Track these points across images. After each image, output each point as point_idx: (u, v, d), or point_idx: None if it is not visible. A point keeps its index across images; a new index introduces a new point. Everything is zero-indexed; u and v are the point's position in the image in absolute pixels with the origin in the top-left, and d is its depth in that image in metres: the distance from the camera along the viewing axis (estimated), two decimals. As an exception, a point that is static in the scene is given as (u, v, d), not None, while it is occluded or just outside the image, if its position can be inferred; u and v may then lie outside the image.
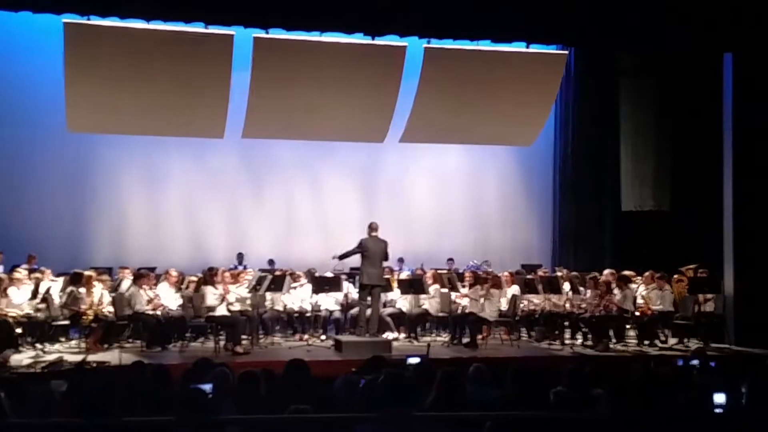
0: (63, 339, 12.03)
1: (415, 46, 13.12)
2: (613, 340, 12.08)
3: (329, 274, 12.96)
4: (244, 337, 11.57)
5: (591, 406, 5.61)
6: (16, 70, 14.84)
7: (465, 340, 12.22)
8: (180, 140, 15.23)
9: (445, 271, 13.84)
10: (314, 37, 12.58)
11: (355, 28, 12.24)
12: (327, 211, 16.61)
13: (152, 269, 13.11)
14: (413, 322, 12.84)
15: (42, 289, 11.45)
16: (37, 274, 12.04)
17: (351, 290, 12.87)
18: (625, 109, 15.81)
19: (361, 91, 13.48)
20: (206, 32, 12.17)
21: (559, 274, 13.83)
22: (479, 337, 12.18)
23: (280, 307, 12.83)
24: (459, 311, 12.65)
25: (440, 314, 12.94)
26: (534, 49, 13.54)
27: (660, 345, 12.37)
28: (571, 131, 16.73)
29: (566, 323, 12.83)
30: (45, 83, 14.17)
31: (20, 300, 11.36)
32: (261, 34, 12.32)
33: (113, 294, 11.86)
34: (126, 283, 12.21)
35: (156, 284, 12.25)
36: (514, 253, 16.83)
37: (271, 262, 15.26)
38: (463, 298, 12.67)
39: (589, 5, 12.02)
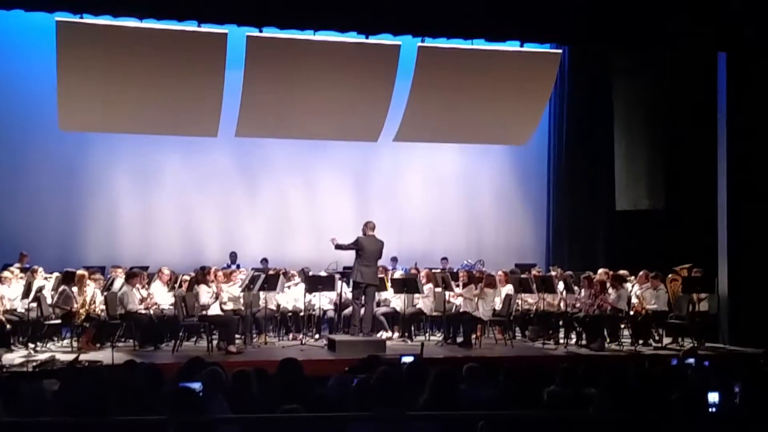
0: (55, 338, 11.99)
1: (408, 44, 13.11)
2: (608, 340, 12.07)
3: (323, 274, 12.93)
4: (237, 336, 11.54)
5: (585, 406, 5.60)
6: (7, 68, 14.75)
7: (459, 339, 12.21)
8: (173, 139, 15.18)
9: (439, 271, 13.82)
10: (308, 35, 12.56)
11: (348, 26, 12.22)
12: (320, 210, 16.57)
13: (145, 268, 13.06)
14: (407, 322, 12.82)
15: (34, 288, 11.40)
16: (29, 273, 11.97)
17: (345, 290, 12.84)
18: (619, 108, 15.79)
19: (355, 89, 13.47)
20: (199, 31, 12.14)
21: (553, 273, 13.84)
22: (473, 336, 12.17)
23: (273, 307, 12.79)
24: (453, 310, 12.64)
25: (434, 313, 12.92)
26: (528, 48, 13.54)
27: (654, 344, 12.38)
28: (565, 130, 16.72)
29: (560, 323, 12.84)
30: (37, 82, 14.12)
31: (12, 299, 11.31)
32: (254, 32, 12.29)
33: (105, 293, 11.81)
34: (118, 282, 12.16)
35: (149, 283, 12.21)
36: (508, 253, 16.81)
37: (264, 261, 15.22)
38: (457, 298, 12.66)
39: (582, 4, 12.00)
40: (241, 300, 11.89)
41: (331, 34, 12.66)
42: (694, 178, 14.48)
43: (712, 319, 12.61)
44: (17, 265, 12.71)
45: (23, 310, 11.38)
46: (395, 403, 4.83)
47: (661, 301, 12.43)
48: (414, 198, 17.20)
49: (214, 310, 11.39)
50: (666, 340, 12.61)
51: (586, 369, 6.57)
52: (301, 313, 12.68)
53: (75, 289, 11.34)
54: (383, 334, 12.37)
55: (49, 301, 11.51)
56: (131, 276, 11.76)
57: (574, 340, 12.49)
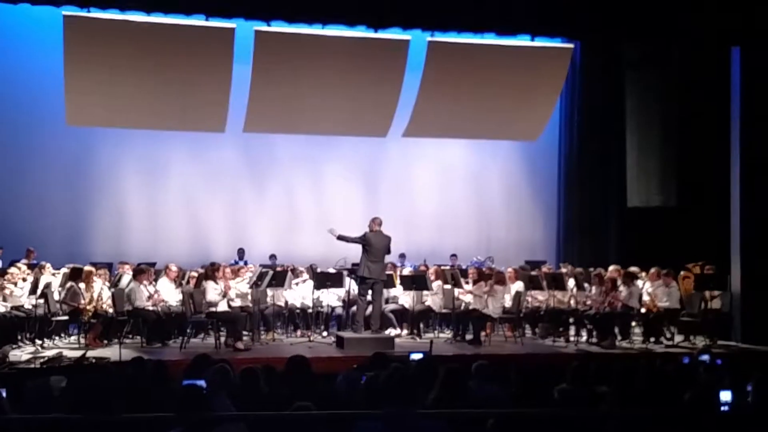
0: (62, 335, 11.97)
1: (418, 39, 13.06)
2: (619, 338, 11.98)
3: (331, 270, 12.87)
4: (245, 333, 11.49)
5: (595, 404, 5.54)
6: (15, 63, 14.76)
7: (468, 336, 12.14)
8: (180, 134, 15.18)
9: (448, 268, 13.75)
10: (316, 30, 12.52)
11: (357, 21, 12.19)
12: (329, 206, 16.51)
13: (152, 264, 13.01)
14: (416, 319, 12.76)
15: (41, 285, 11.38)
16: (36, 269, 11.95)
17: (353, 286, 12.77)
18: (631, 104, 15.68)
19: (364, 84, 13.42)
20: (207, 25, 12.10)
21: (563, 270, 13.75)
22: (483, 333, 12.10)
23: (281, 303, 12.75)
24: (462, 308, 12.57)
25: (443, 311, 12.86)
26: (539, 42, 13.49)
27: (666, 342, 12.28)
28: (577, 126, 16.63)
29: (571, 320, 12.74)
30: (44, 76, 14.14)
31: (19, 295, 11.30)
32: (262, 27, 12.27)
33: (113, 289, 11.78)
34: (126, 279, 12.14)
35: (156, 280, 12.17)
36: (518, 249, 16.75)
37: (273, 257, 15.18)
38: (466, 295, 12.59)
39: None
40: (249, 296, 11.84)
41: (339, 29, 12.61)
42: (707, 174, 14.37)
43: (725, 317, 12.51)
44: (24, 261, 12.71)
45: (30, 307, 11.36)
46: (404, 400, 4.77)
47: (673, 299, 12.32)
48: (423, 194, 17.13)
49: (222, 306, 11.34)
50: (678, 338, 12.50)
51: (597, 367, 6.51)
52: (310, 310, 12.62)
53: (82, 285, 11.31)
54: (392, 332, 12.30)
55: (56, 297, 11.48)
56: (138, 272, 11.72)
57: (584, 338, 12.40)
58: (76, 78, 12.50)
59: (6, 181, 14.87)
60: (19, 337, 11.17)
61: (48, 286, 11.46)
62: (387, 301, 12.93)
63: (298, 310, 12.86)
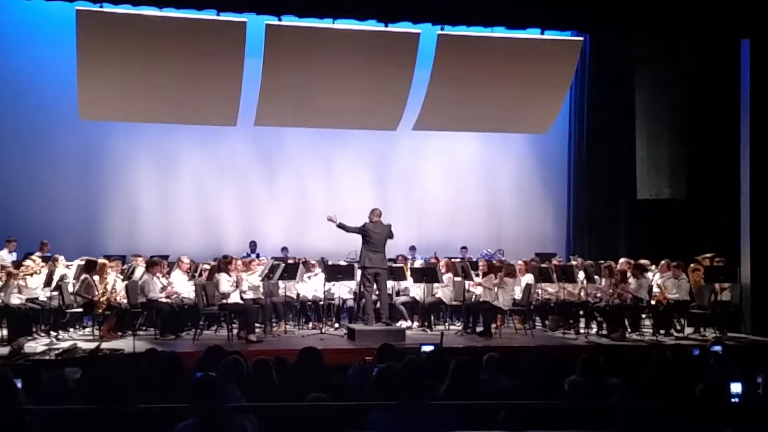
0: (77, 326, 12.07)
1: (428, 32, 13.06)
2: (629, 330, 12.00)
3: (342, 263, 12.93)
4: (257, 325, 11.57)
5: (606, 396, 5.57)
6: (28, 58, 14.84)
7: (479, 328, 12.17)
8: (192, 128, 15.23)
9: (458, 260, 13.78)
10: (327, 24, 12.55)
11: (368, 14, 12.20)
12: (340, 199, 16.51)
13: (165, 257, 13.09)
14: (427, 311, 12.81)
15: (56, 277, 11.47)
16: (51, 262, 12.05)
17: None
18: (641, 96, 15.65)
19: (374, 78, 13.43)
20: (219, 19, 12.14)
21: (573, 262, 13.77)
22: (493, 326, 12.14)
23: (293, 295, 12.82)
24: (473, 300, 12.61)
25: (454, 303, 12.89)
26: (549, 35, 13.46)
27: (676, 334, 12.29)
28: (586, 119, 16.62)
29: (581, 312, 12.77)
30: (57, 71, 14.22)
31: (34, 287, 11.40)
32: (273, 21, 12.29)
33: (126, 282, 11.87)
34: (139, 271, 12.22)
35: (169, 272, 12.25)
36: (528, 242, 16.76)
37: (284, 249, 15.25)
38: (476, 287, 12.62)
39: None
40: (261, 289, 11.91)
41: (350, 23, 12.64)
42: (717, 166, 14.34)
43: (735, 309, 12.52)
44: (38, 253, 12.79)
45: (45, 299, 11.47)
46: (416, 392, 4.82)
47: (682, 291, 12.33)
48: (433, 187, 17.15)
49: (234, 298, 11.41)
50: (688, 330, 12.50)
51: (607, 359, 6.53)
52: (321, 302, 12.69)
53: (96, 277, 11.40)
54: (403, 324, 12.36)
55: (70, 289, 11.59)
56: (152, 265, 11.80)
57: (594, 330, 12.43)
58: (88, 72, 12.55)
59: (20, 174, 14.96)
60: (34, 329, 11.27)
61: (62, 278, 11.58)
62: (398, 294, 12.99)
63: (309, 303, 12.93)
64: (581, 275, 12.87)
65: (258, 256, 14.61)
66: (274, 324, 12.13)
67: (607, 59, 16.19)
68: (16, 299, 11.05)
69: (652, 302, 12.17)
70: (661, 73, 15.40)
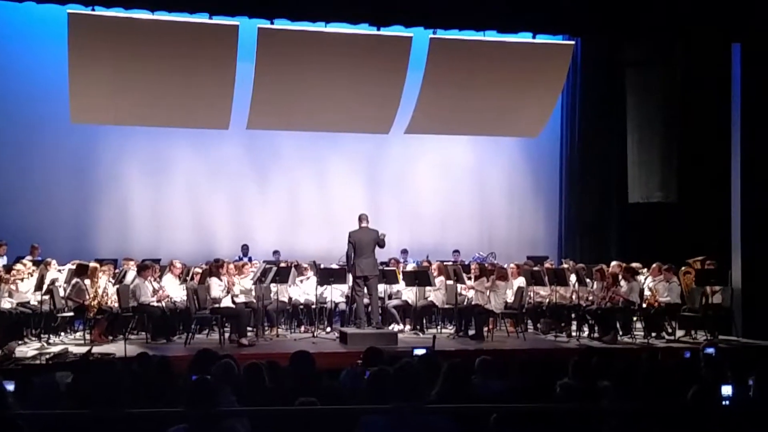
0: (68, 330, 12.04)
1: (420, 36, 13.08)
2: (620, 333, 12.03)
3: (334, 266, 12.93)
4: (249, 329, 11.55)
5: (597, 399, 5.57)
6: (20, 61, 14.80)
7: (471, 332, 12.18)
8: (184, 131, 15.20)
9: (450, 263, 13.81)
10: (319, 27, 12.57)
11: (360, 18, 12.20)
12: (332, 203, 16.55)
13: (156, 261, 13.08)
14: (419, 314, 12.81)
15: (47, 281, 11.45)
16: (42, 266, 12.01)
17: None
18: (632, 100, 15.67)
19: (367, 82, 13.45)
20: (211, 23, 12.14)
21: (565, 266, 13.79)
22: (485, 329, 12.16)
23: (285, 299, 12.81)
24: (465, 303, 12.62)
25: (446, 306, 12.91)
26: (540, 39, 13.50)
27: (667, 337, 12.33)
28: (578, 122, 16.65)
29: (573, 315, 12.81)
30: (49, 74, 14.16)
31: (25, 291, 11.37)
32: (266, 24, 12.29)
33: (118, 285, 11.85)
34: (131, 275, 12.19)
35: (160, 276, 12.23)
36: (520, 245, 16.79)
37: (276, 253, 15.23)
38: (468, 290, 12.64)
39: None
40: (253, 292, 11.90)
41: (342, 26, 12.64)
42: (708, 170, 14.39)
43: (726, 312, 12.55)
44: (29, 257, 12.75)
45: (36, 303, 11.43)
46: (408, 396, 4.81)
47: (674, 294, 12.37)
48: (425, 190, 17.16)
49: (226, 302, 11.40)
50: (679, 333, 12.55)
51: (599, 362, 6.55)
52: (313, 306, 12.68)
53: (87, 281, 11.38)
54: (395, 327, 12.37)
55: (61, 293, 11.56)
56: (143, 268, 11.78)
57: (586, 333, 12.46)
58: (80, 76, 12.53)
59: (11, 178, 14.90)
60: (25, 333, 11.25)
61: (53, 282, 11.54)
62: (390, 297, 13.00)
63: (301, 306, 12.92)
64: (573, 278, 12.90)
65: (250, 259, 14.60)
66: (266, 328, 12.11)
67: (598, 63, 16.22)
68: (6, 303, 11.01)
69: (644, 305, 12.21)
70: (651, 77, 15.44)
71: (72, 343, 11.01)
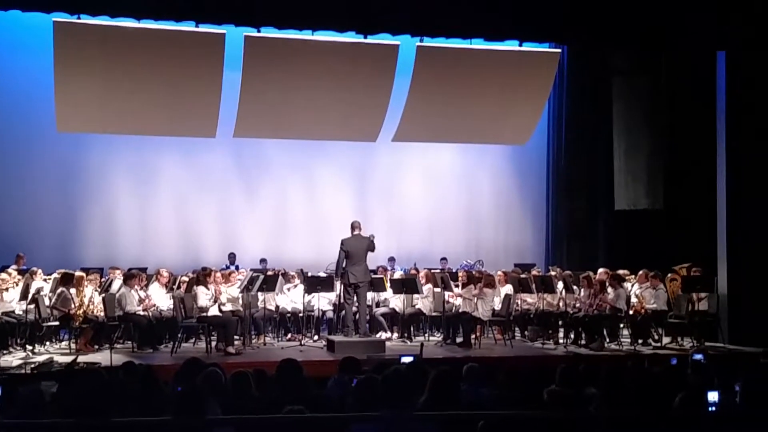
0: (53, 340, 11.96)
1: (407, 44, 13.10)
2: (607, 340, 12.06)
3: (322, 274, 12.91)
4: (236, 337, 11.51)
5: (584, 405, 5.58)
6: (4, 69, 14.74)
7: (458, 339, 12.19)
8: (171, 140, 15.17)
9: (438, 271, 13.81)
10: (306, 35, 12.56)
11: (347, 26, 12.19)
12: (319, 211, 16.54)
13: (143, 269, 13.03)
14: (406, 322, 12.81)
15: (32, 290, 11.37)
16: (27, 275, 11.93)
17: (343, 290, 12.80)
18: (618, 108, 15.77)
19: (354, 90, 13.46)
20: (197, 31, 12.13)
21: (552, 273, 13.82)
22: (473, 336, 12.16)
23: (272, 307, 12.78)
24: (452, 311, 12.62)
25: (434, 314, 12.90)
26: (527, 47, 13.55)
27: (654, 344, 12.36)
28: (564, 130, 16.71)
29: (560, 322, 12.82)
30: (34, 83, 14.09)
31: (10, 300, 11.29)
32: (252, 32, 12.28)
33: (104, 294, 11.79)
34: (116, 284, 12.13)
35: (147, 285, 12.18)
36: (507, 253, 16.82)
37: (263, 261, 15.19)
38: (456, 298, 12.65)
39: (581, 3, 12.00)
40: (240, 301, 11.86)
41: (329, 34, 12.65)
42: (694, 177, 14.47)
43: (712, 319, 12.58)
44: (14, 266, 12.68)
45: (21, 312, 11.35)
46: (395, 403, 4.81)
47: (660, 301, 12.41)
48: (413, 198, 17.17)
49: (213, 311, 11.36)
50: (665, 340, 12.60)
51: (586, 369, 6.55)
52: (300, 314, 12.65)
53: (73, 290, 11.31)
54: (382, 335, 12.35)
55: (47, 302, 11.48)
56: (129, 277, 11.72)
57: (573, 340, 12.47)
58: (66, 84, 12.49)
59: (-4, 187, 14.85)
60: (10, 343, 11.16)
61: (39, 291, 11.46)
62: (378, 305, 12.99)
63: (289, 314, 12.90)
64: (560, 286, 12.91)
65: (237, 268, 14.56)
66: (253, 336, 12.08)
67: (584, 71, 16.29)
68: (-9, 313, 10.95)
69: (630, 312, 12.23)
70: (638, 85, 15.54)
71: (57, 353, 10.95)
